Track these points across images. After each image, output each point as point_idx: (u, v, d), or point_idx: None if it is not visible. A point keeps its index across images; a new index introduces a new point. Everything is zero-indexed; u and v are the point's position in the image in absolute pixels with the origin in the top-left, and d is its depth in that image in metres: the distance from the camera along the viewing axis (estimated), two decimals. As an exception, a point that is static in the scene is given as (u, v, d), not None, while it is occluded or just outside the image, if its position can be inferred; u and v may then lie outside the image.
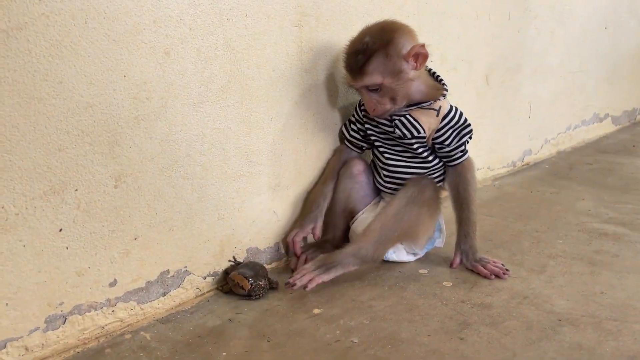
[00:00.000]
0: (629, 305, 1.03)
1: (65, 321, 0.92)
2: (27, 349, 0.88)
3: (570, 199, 1.67)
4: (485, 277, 1.15)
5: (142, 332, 0.98)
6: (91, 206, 0.92)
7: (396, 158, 1.25)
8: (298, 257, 1.22)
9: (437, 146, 1.21)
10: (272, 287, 1.12)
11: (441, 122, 1.18)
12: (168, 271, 1.05)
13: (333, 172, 1.28)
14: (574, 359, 0.88)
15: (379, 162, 1.28)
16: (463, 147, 1.22)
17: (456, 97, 1.68)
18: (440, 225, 1.28)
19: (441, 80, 1.21)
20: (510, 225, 1.46)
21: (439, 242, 1.29)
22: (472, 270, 1.19)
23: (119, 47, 0.91)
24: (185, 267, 1.08)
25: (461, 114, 1.20)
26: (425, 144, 1.21)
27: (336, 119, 1.32)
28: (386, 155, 1.25)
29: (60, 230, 0.89)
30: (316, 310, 1.05)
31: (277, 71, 1.16)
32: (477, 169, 1.85)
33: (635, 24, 2.73)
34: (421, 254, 1.27)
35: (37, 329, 0.89)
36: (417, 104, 1.18)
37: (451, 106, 1.20)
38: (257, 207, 1.18)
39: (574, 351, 0.89)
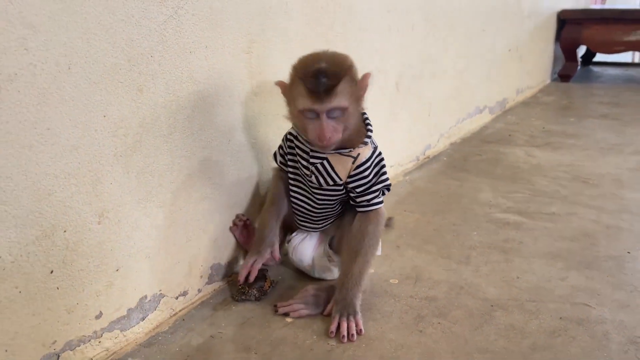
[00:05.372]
0: (541, 287, 1.26)
1: (58, 358, 0.94)
2: (24, 391, 0.89)
3: (472, 190, 1.91)
4: (332, 331, 1.08)
5: (129, 359, 1.03)
6: (78, 245, 0.94)
7: (304, 194, 1.24)
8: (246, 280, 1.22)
9: (348, 189, 1.18)
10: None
11: (355, 169, 1.14)
12: (146, 296, 1.10)
13: (278, 194, 1.28)
14: (511, 338, 1.08)
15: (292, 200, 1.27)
16: (370, 198, 1.16)
17: (373, 105, 1.84)
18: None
19: (368, 123, 1.16)
20: (430, 220, 1.66)
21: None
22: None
23: (98, 89, 0.93)
24: (160, 290, 1.13)
25: (377, 165, 1.16)
26: (340, 189, 1.19)
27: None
28: (294, 189, 1.25)
29: (52, 272, 0.91)
30: (289, 319, 1.15)
31: (232, 97, 1.22)
32: (390, 166, 2.04)
33: (507, 25, 3.09)
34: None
35: (33, 370, 0.90)
36: (338, 148, 1.13)
37: (372, 154, 1.15)
38: (219, 226, 1.25)
39: (509, 332, 1.10)
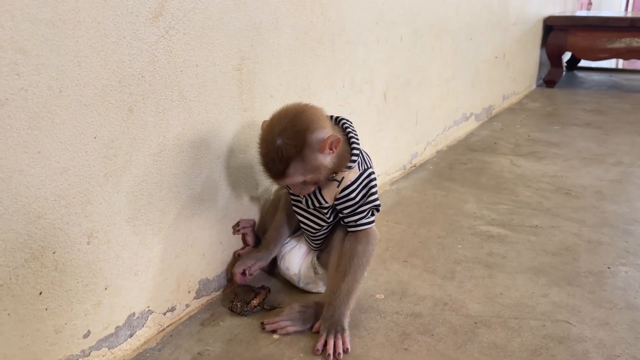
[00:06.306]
0: (523, 304, 1.29)
1: (46, 379, 0.95)
2: (12, 412, 0.90)
3: (457, 201, 1.94)
4: (318, 349, 1.11)
5: (117, 376, 1.04)
6: (67, 265, 0.95)
7: (306, 215, 1.28)
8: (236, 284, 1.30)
9: (337, 210, 1.22)
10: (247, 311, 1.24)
11: (340, 193, 1.18)
12: (134, 313, 1.10)
13: (280, 220, 1.33)
14: (494, 356, 1.10)
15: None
16: (357, 218, 1.19)
17: (360, 116, 1.86)
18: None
19: (354, 147, 1.16)
20: (416, 232, 1.68)
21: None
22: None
23: (89, 111, 0.93)
24: (148, 306, 1.13)
25: (366, 187, 1.18)
26: (331, 208, 1.23)
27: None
28: (298, 211, 1.30)
29: (40, 293, 0.91)
30: (276, 336, 1.16)
31: (222, 113, 1.23)
32: (377, 175, 2.05)
33: (494, 33, 3.12)
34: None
35: (22, 391, 0.91)
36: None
37: (358, 177, 1.18)
38: (207, 241, 1.26)
39: (492, 350, 1.12)
